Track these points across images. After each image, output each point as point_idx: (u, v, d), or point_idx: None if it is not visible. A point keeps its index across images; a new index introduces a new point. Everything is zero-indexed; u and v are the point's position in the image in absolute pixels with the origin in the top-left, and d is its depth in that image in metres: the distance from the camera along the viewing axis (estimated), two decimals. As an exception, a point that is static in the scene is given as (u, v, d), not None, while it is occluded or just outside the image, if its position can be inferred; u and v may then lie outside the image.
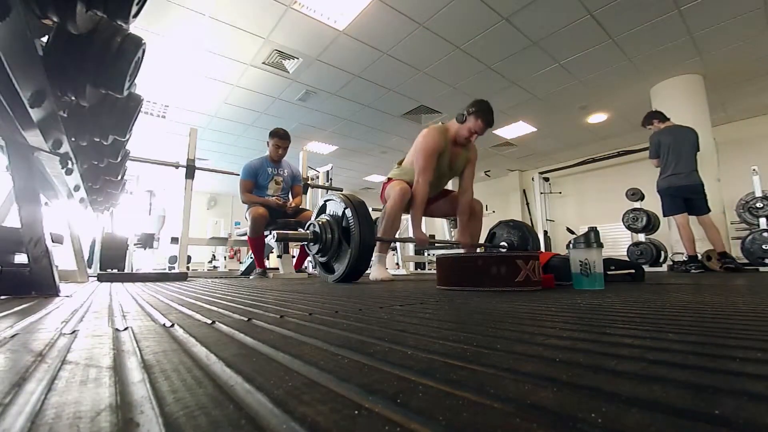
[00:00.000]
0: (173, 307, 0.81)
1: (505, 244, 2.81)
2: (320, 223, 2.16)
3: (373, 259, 2.33)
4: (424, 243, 2.38)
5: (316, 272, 4.78)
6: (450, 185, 2.93)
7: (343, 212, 2.08)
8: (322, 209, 2.31)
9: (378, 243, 2.37)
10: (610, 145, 7.13)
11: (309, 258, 4.58)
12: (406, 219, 6.57)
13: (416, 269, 6.36)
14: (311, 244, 2.19)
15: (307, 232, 2.23)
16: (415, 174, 2.34)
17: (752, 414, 0.19)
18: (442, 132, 2.36)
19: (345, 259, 1.99)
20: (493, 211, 7.41)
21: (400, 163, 2.59)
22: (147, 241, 5.14)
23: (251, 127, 6.08)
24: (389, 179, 2.53)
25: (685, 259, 3.85)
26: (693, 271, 3.57)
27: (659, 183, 3.91)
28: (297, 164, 4.02)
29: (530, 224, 7.03)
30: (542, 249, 2.85)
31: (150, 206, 6.04)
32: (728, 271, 3.46)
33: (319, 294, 1.16)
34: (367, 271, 2.24)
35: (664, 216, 3.99)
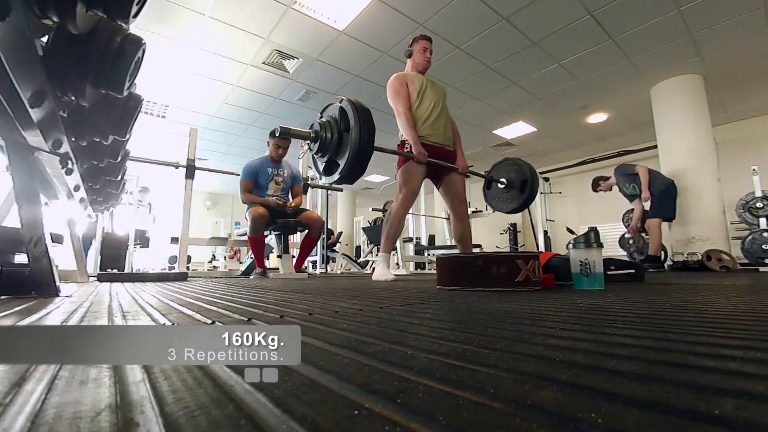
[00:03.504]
0: (173, 307, 0.81)
1: (504, 180, 2.79)
2: (320, 122, 2.11)
3: (376, 259, 2.33)
4: (424, 160, 2.36)
5: (316, 272, 4.78)
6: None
7: (341, 108, 2.01)
8: (321, 116, 2.26)
9: (382, 242, 2.41)
10: (610, 145, 7.13)
11: (309, 258, 4.58)
12: (408, 219, 6.56)
13: (416, 269, 6.36)
14: (312, 142, 2.15)
15: (309, 131, 2.17)
16: (393, 105, 2.52)
17: (752, 414, 0.19)
18: (402, 74, 2.62)
19: (346, 152, 1.93)
20: (494, 211, 7.41)
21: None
22: (142, 240, 5.14)
23: (251, 127, 6.07)
24: (402, 143, 2.52)
25: (644, 258, 3.96)
26: (651, 270, 3.65)
27: (662, 184, 4.06)
28: (297, 164, 4.03)
29: (530, 224, 7.04)
30: (537, 189, 2.81)
31: (149, 206, 6.04)
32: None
33: (319, 294, 1.16)
34: (369, 270, 2.22)
35: (665, 218, 4.07)
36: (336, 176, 2.03)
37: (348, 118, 1.93)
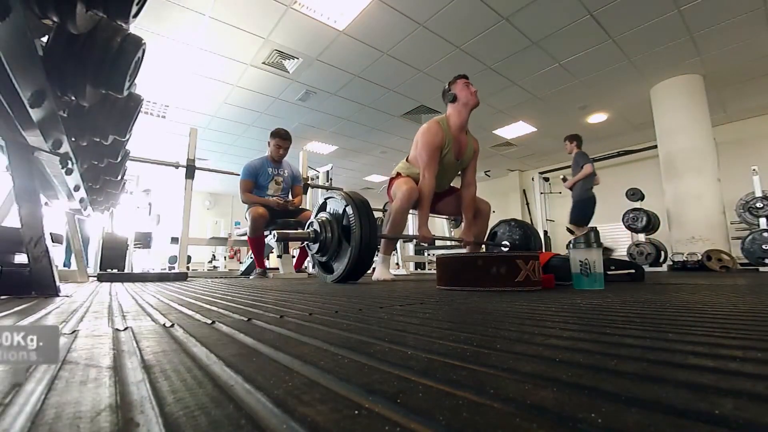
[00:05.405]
0: (173, 307, 0.81)
1: (507, 243, 2.80)
2: (320, 221, 2.14)
3: (376, 259, 2.29)
4: (429, 241, 2.33)
5: (315, 272, 4.78)
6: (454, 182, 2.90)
7: (344, 210, 2.05)
8: (323, 207, 2.29)
9: (382, 244, 2.33)
10: (610, 145, 7.13)
11: (309, 258, 4.58)
12: (408, 219, 6.55)
13: (416, 269, 6.36)
14: (311, 243, 2.18)
15: (308, 231, 2.21)
16: (420, 170, 2.31)
17: (752, 414, 0.19)
18: (443, 123, 2.35)
19: (345, 259, 1.96)
20: (494, 211, 7.40)
21: (407, 159, 2.55)
22: (144, 241, 5.14)
23: (251, 127, 6.08)
24: (398, 174, 2.48)
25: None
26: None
27: (586, 192, 4.41)
28: (297, 164, 4.03)
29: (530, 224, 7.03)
30: (543, 249, 2.86)
31: (150, 206, 6.03)
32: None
33: (319, 294, 1.16)
34: (369, 270, 2.22)
35: (581, 225, 4.39)
36: (328, 278, 2.10)
37: (349, 219, 1.97)
